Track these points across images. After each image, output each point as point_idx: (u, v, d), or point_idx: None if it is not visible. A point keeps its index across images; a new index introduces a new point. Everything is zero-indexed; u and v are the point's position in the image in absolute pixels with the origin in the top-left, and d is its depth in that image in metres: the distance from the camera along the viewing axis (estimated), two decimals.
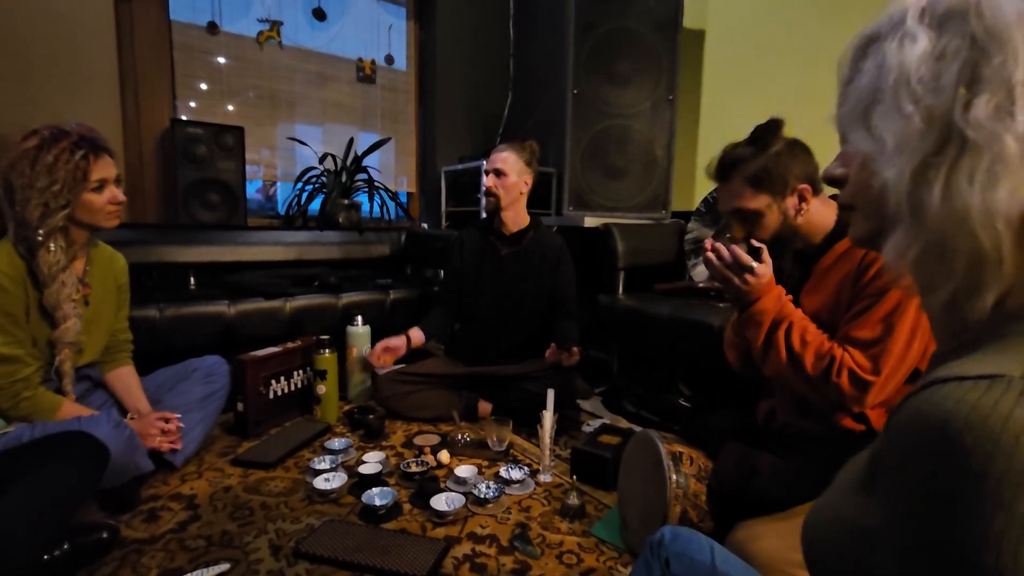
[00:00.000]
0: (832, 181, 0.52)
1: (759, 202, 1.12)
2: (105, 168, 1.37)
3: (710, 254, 1.10)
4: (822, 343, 1.06)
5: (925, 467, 0.31)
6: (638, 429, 1.93)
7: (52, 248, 1.31)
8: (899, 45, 0.39)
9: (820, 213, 1.15)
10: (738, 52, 2.54)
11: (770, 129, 1.12)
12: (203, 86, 2.81)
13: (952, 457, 0.29)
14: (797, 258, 1.23)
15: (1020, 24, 0.33)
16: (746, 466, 1.12)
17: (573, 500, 1.33)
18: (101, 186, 1.35)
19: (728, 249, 1.08)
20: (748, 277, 1.08)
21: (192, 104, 2.78)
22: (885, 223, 0.43)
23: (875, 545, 0.36)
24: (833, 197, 1.15)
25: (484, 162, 2.92)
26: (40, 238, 1.29)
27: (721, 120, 2.60)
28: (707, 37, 2.66)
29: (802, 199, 1.12)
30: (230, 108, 2.88)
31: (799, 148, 1.13)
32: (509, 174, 1.97)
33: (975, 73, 0.35)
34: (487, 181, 2.00)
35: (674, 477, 1.07)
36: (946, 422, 0.30)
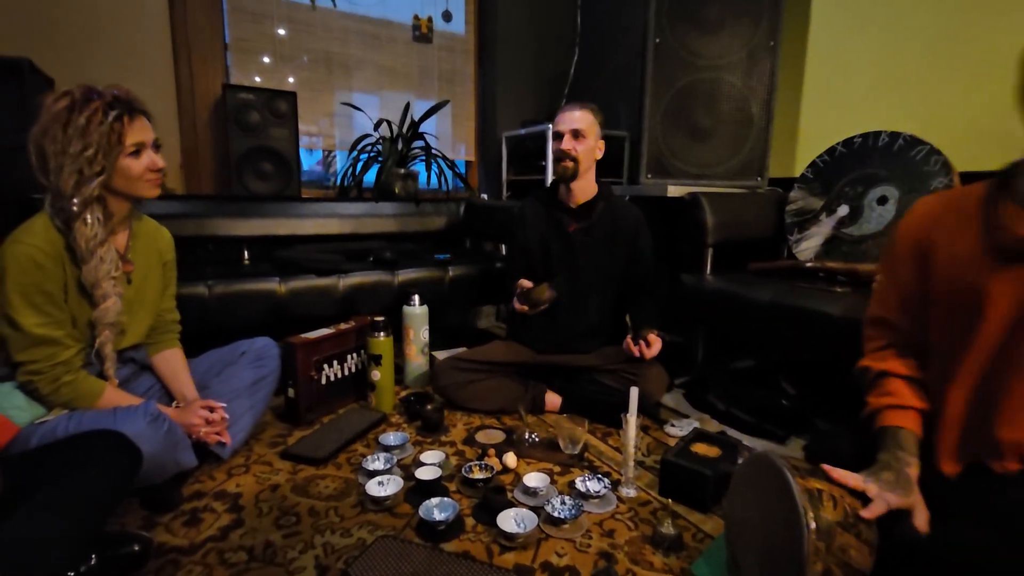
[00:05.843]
0: None
1: None
2: (142, 131, 1.23)
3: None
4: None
5: None
6: (732, 433, 1.69)
7: (89, 220, 1.19)
8: None
9: None
10: None
11: None
12: (256, 52, 2.69)
13: None
14: None
15: None
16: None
17: (668, 528, 1.10)
18: (138, 151, 1.22)
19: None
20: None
21: (241, 61, 2.66)
22: None
23: None
24: None
25: (548, 125, 2.68)
26: (76, 209, 1.17)
27: (832, 70, 2.18)
28: None
29: None
30: (290, 80, 2.75)
31: None
32: (588, 136, 1.70)
33: None
34: (564, 143, 1.70)
35: (813, 525, 0.82)
36: None
